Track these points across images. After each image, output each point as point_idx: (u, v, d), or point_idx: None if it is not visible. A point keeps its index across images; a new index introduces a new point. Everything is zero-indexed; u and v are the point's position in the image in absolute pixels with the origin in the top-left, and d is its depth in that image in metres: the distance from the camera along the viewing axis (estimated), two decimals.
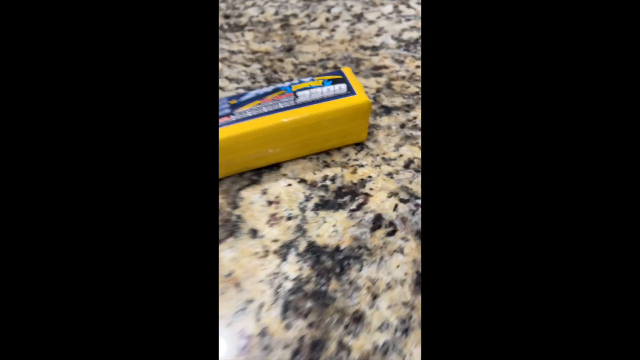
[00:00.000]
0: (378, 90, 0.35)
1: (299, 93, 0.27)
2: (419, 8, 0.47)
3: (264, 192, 0.27)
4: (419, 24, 0.44)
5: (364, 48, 0.41)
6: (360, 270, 0.23)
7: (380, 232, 0.24)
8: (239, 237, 0.25)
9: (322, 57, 0.40)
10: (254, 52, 0.41)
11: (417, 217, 0.25)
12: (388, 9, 0.48)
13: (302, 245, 0.24)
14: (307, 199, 0.27)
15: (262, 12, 0.48)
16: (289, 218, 0.26)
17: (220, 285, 0.22)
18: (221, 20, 0.47)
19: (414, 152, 0.29)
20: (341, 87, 0.27)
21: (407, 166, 0.29)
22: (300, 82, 0.28)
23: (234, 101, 0.27)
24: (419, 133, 0.31)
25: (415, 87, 0.35)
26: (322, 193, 0.27)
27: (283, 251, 0.24)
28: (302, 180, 0.28)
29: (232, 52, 0.41)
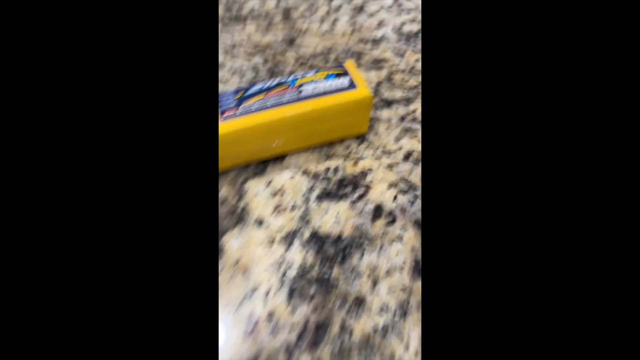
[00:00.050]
0: (379, 84, 0.36)
1: (302, 87, 0.27)
2: (419, 1, 0.48)
3: (269, 184, 0.28)
4: (419, 17, 0.44)
5: (365, 41, 0.41)
6: (361, 257, 0.24)
7: (380, 222, 0.26)
8: (245, 226, 0.26)
9: (323, 50, 0.40)
10: (255, 46, 0.41)
11: (416, 208, 0.26)
12: (388, 1, 0.48)
13: (306, 234, 0.25)
14: (310, 190, 0.28)
15: (263, 5, 0.48)
16: (293, 208, 0.27)
17: (228, 273, 0.23)
18: (222, 12, 0.47)
19: (413, 144, 0.30)
20: (343, 81, 0.28)
21: (406, 158, 0.29)
22: (304, 75, 0.28)
23: (239, 94, 0.27)
24: (419, 126, 0.32)
25: (415, 81, 0.36)
26: (324, 184, 0.28)
27: (288, 240, 0.25)
28: (305, 172, 0.29)
29: (234, 45, 0.42)
